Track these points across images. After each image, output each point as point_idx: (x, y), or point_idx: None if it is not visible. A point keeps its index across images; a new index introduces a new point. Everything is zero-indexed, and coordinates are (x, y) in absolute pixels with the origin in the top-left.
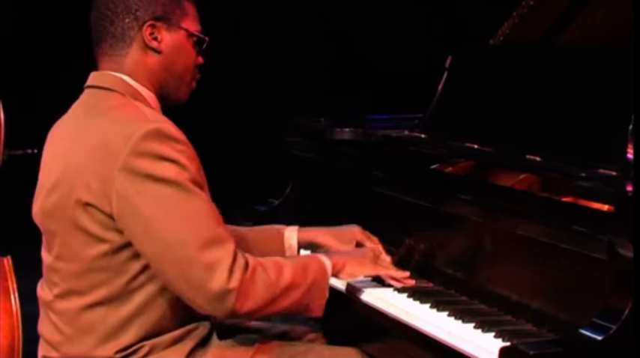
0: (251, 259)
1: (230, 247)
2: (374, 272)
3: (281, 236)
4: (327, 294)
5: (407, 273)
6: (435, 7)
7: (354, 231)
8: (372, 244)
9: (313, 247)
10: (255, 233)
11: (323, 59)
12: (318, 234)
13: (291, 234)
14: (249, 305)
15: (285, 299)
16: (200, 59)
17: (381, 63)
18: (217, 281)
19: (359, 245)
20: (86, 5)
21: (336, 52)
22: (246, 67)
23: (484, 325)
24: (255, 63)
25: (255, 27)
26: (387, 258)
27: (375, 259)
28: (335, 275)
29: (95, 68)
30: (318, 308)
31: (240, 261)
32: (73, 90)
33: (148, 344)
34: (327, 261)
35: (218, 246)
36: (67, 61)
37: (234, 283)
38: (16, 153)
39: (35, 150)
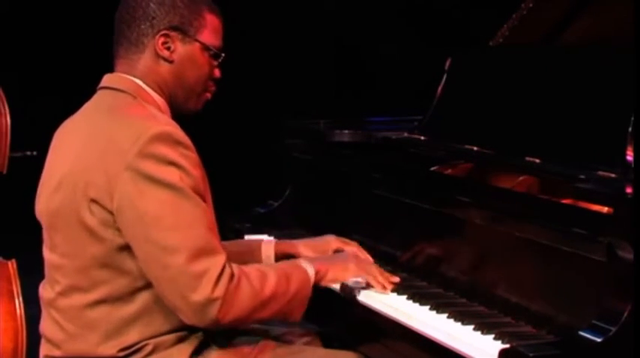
0: (236, 269)
1: (220, 259)
2: (357, 274)
3: (259, 249)
4: (307, 302)
5: (389, 276)
6: (435, 8)
7: (329, 240)
8: (351, 249)
9: (290, 259)
10: (235, 246)
11: (323, 61)
12: (294, 246)
13: (269, 247)
14: (232, 314)
15: (268, 308)
16: (216, 72)
17: (382, 64)
18: (202, 292)
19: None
20: (87, 9)
21: (336, 54)
22: (245, 68)
23: (484, 327)
24: (255, 64)
25: (254, 29)
26: (369, 258)
27: (358, 261)
28: (317, 282)
29: (96, 71)
30: (298, 316)
31: (227, 272)
32: (73, 92)
33: (151, 342)
34: (310, 270)
35: (208, 256)
36: (68, 64)
37: (217, 293)
38: (15, 155)
39: (35, 153)
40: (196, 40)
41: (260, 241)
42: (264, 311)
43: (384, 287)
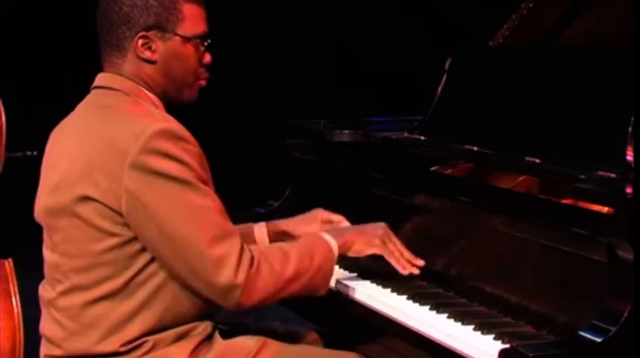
0: (256, 252)
1: (236, 242)
2: (380, 251)
3: (252, 233)
4: (331, 276)
5: (413, 258)
6: (435, 9)
7: (317, 211)
8: (337, 219)
9: (282, 237)
10: None
11: (323, 61)
12: (284, 223)
13: (261, 229)
14: (254, 298)
15: (291, 287)
16: (206, 57)
17: (382, 64)
18: (225, 276)
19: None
20: (85, 9)
21: (336, 54)
22: (246, 68)
23: (484, 327)
24: (256, 64)
25: (254, 29)
26: (397, 241)
27: (386, 237)
28: (343, 253)
29: (96, 69)
30: (323, 289)
31: (247, 256)
32: (73, 92)
33: (151, 339)
34: (333, 242)
35: (225, 241)
36: (66, 63)
37: (240, 278)
38: (15, 155)
39: (35, 153)
40: (176, 35)
41: (252, 226)
42: (287, 290)
43: (405, 268)
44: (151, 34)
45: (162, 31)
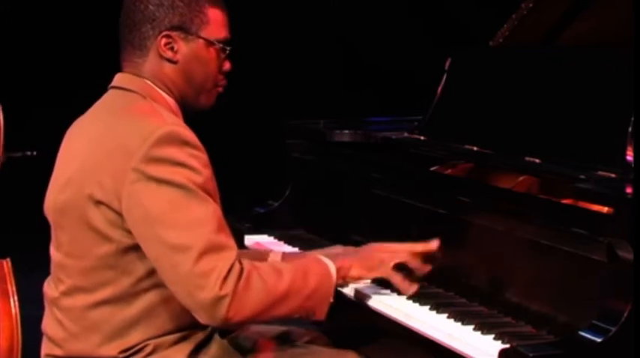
0: (247, 264)
1: (229, 255)
2: (384, 275)
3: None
4: (331, 299)
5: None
6: (435, 8)
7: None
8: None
9: None
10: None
11: (323, 60)
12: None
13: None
14: (243, 312)
15: (284, 305)
16: (227, 65)
17: (383, 64)
18: (210, 290)
19: None
20: (85, 10)
21: (336, 54)
22: (246, 68)
23: (484, 327)
24: (256, 64)
25: (254, 28)
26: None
27: (387, 258)
28: (342, 279)
29: (97, 71)
30: (321, 313)
31: (236, 268)
32: (73, 92)
33: (151, 343)
34: (331, 265)
35: (217, 254)
36: (67, 63)
37: (225, 291)
38: (15, 155)
39: (34, 153)
40: (199, 37)
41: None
42: (280, 308)
43: (407, 291)
44: (174, 34)
45: (186, 32)
